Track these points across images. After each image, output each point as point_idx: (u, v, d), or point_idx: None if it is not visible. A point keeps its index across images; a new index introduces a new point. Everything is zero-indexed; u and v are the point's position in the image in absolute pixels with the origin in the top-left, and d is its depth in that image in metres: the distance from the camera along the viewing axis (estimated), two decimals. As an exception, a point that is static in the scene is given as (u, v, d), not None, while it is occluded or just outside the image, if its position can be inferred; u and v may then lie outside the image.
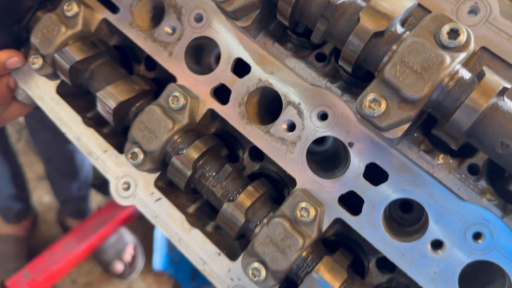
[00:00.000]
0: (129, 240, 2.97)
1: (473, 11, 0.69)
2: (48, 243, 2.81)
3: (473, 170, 0.69)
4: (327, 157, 0.92)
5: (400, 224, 0.83)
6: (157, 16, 0.90)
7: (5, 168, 2.69)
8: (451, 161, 0.69)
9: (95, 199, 3.19)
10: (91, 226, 2.80)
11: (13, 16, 0.88)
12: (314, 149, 0.92)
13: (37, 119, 2.45)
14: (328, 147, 0.93)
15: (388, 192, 0.71)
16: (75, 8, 0.85)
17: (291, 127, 0.77)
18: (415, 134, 0.70)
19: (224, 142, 0.83)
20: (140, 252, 3.00)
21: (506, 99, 0.59)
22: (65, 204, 2.92)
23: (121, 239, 2.95)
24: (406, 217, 0.85)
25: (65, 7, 0.86)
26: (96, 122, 0.91)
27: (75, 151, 2.60)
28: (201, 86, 0.82)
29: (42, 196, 3.26)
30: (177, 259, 2.95)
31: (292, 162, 0.76)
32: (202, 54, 0.95)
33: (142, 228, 3.14)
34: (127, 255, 2.94)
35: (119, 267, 2.91)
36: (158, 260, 2.92)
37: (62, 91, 0.92)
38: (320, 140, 0.91)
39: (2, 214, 2.87)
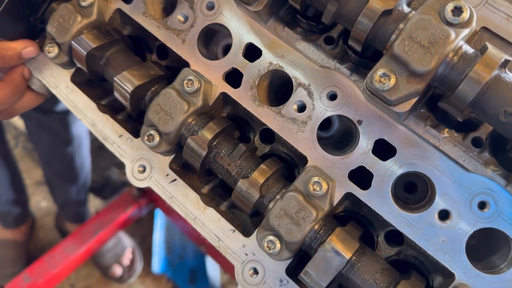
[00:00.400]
0: (127, 244, 2.98)
1: (474, -8, 0.73)
2: (46, 248, 2.81)
3: (477, 143, 0.73)
4: (333, 142, 0.95)
5: (406, 203, 0.87)
6: (168, 7, 0.93)
7: (4, 173, 2.70)
8: (456, 134, 0.73)
9: (94, 203, 3.19)
10: (90, 230, 2.80)
11: (29, 7, 0.91)
12: (320, 135, 0.96)
13: (37, 122, 2.47)
14: (333, 132, 0.96)
15: (396, 166, 0.74)
16: (90, -3, 0.88)
17: (302, 107, 0.80)
18: (421, 110, 0.74)
19: (236, 126, 0.86)
20: (139, 255, 3.00)
21: (508, 71, 0.63)
22: (63, 208, 2.92)
23: (119, 243, 2.95)
24: (410, 197, 0.88)
25: (81, -3, 0.89)
26: (110, 109, 0.93)
27: (74, 154, 2.62)
28: (214, 71, 0.85)
29: (40, 202, 3.26)
30: (175, 262, 2.96)
31: (303, 140, 0.79)
32: (210, 43, 0.98)
33: (141, 232, 3.14)
34: (126, 259, 2.94)
35: (117, 271, 2.91)
36: (157, 264, 2.93)
37: (76, 79, 0.94)
38: (326, 126, 0.95)
39: (0, 219, 2.87)
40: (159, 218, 2.92)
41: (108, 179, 3.17)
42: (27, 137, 3.45)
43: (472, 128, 0.73)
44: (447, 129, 0.73)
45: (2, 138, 2.60)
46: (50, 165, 2.70)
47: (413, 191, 0.88)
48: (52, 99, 2.30)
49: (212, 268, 2.82)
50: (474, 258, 0.73)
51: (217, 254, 2.62)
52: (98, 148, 3.27)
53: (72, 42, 0.85)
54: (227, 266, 2.56)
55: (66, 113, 2.41)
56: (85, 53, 0.84)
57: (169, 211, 2.80)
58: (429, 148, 0.73)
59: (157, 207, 2.86)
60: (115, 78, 0.82)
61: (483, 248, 0.79)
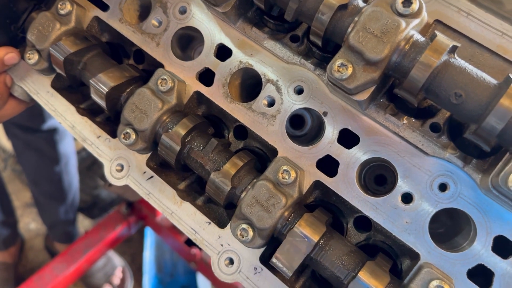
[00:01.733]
0: (117, 263, 2.96)
1: (426, -11, 0.78)
2: (35, 269, 2.79)
3: (435, 128, 0.77)
4: (307, 140, 0.99)
5: (376, 194, 0.90)
6: (144, 13, 0.98)
7: (-7, 195, 2.70)
8: (414, 121, 0.77)
9: (83, 224, 3.19)
10: (79, 249, 2.79)
11: (9, 17, 0.95)
12: (295, 133, 1.00)
13: (24, 141, 2.49)
14: (307, 130, 1.00)
15: (360, 153, 0.78)
16: (68, 6, 0.93)
17: (271, 102, 0.84)
18: (381, 100, 0.78)
19: (211, 124, 0.90)
20: (129, 274, 2.98)
21: (456, 57, 0.68)
22: (52, 228, 2.91)
23: (109, 262, 2.94)
24: (380, 189, 0.91)
25: (59, 6, 0.93)
26: (89, 112, 0.97)
27: (62, 173, 2.63)
28: (187, 71, 0.89)
29: (29, 223, 3.25)
30: (166, 280, 2.94)
31: (273, 133, 0.83)
32: (186, 48, 1.03)
33: (130, 250, 3.13)
34: (116, 278, 2.93)
35: (108, 290, 2.89)
36: (148, 282, 2.91)
37: (56, 85, 0.98)
38: (299, 125, 0.99)
39: (-12, 241, 2.85)
40: (149, 236, 2.91)
41: (97, 198, 3.17)
42: (16, 159, 3.45)
43: (430, 115, 0.78)
44: (406, 117, 0.77)
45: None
46: (38, 184, 2.70)
47: (383, 183, 0.91)
48: (38, 118, 2.32)
49: (203, 285, 2.80)
50: (439, 241, 0.76)
51: (208, 271, 2.62)
52: (86, 168, 3.29)
53: (50, 48, 0.89)
54: (218, 282, 2.56)
55: (53, 131, 2.44)
56: (63, 58, 0.88)
57: (159, 229, 2.80)
58: (389, 135, 0.77)
59: (147, 225, 2.86)
60: (91, 81, 0.86)
61: (447, 231, 0.82)
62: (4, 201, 2.77)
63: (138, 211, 2.83)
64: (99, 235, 2.83)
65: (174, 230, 2.73)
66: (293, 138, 0.86)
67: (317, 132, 0.97)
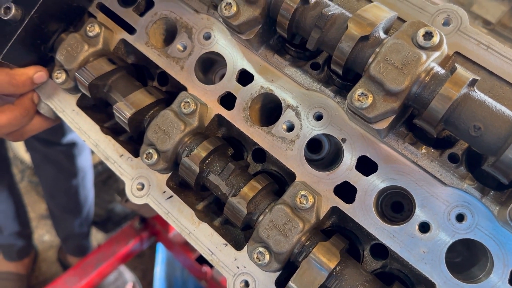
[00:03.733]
0: (128, 278, 2.97)
1: (446, 22, 0.80)
2: (48, 281, 2.81)
3: (453, 159, 0.77)
4: (324, 164, 1.00)
5: (392, 221, 0.90)
6: (169, 37, 1.01)
7: (10, 206, 2.74)
8: (433, 151, 0.78)
9: (96, 237, 3.21)
10: (91, 263, 2.80)
11: (40, 37, 0.99)
12: (312, 157, 1.01)
13: (43, 154, 2.54)
14: (324, 155, 1.01)
15: (378, 181, 0.79)
16: (96, 29, 0.97)
17: (290, 127, 0.86)
18: (400, 129, 0.79)
19: (230, 145, 0.92)
20: (140, 290, 2.99)
21: (476, 89, 0.69)
22: (66, 241, 2.94)
23: (120, 277, 2.95)
24: (397, 216, 0.92)
25: (88, 28, 0.97)
26: (113, 131, 0.99)
27: (78, 186, 2.67)
28: (209, 94, 0.92)
29: (43, 235, 3.29)
30: (176, 297, 2.94)
31: (292, 158, 0.84)
32: (208, 71, 1.05)
33: (142, 266, 3.14)
34: (127, 293, 2.93)
35: (118, 305, 2.89)
36: (158, 298, 2.90)
37: (82, 104, 1.01)
38: (317, 149, 1.00)
39: (3, 252, 2.89)
40: (160, 252, 2.92)
41: (111, 212, 3.20)
42: (33, 171, 3.51)
43: (449, 145, 0.78)
44: (424, 146, 0.78)
45: (8, 171, 2.67)
46: (54, 197, 2.75)
47: (400, 210, 0.92)
48: (58, 131, 2.37)
49: (213, 303, 2.79)
50: (456, 271, 0.76)
51: (218, 289, 2.61)
52: (101, 182, 3.33)
53: (76, 73, 0.92)
54: (228, 301, 2.55)
55: (72, 145, 2.48)
56: (88, 83, 0.91)
57: (171, 245, 2.81)
58: (408, 164, 0.78)
59: (159, 241, 2.88)
60: (114, 106, 0.88)
61: (464, 262, 0.82)
62: (21, 213, 2.81)
63: (151, 226, 2.84)
64: (111, 249, 2.85)
65: (185, 247, 2.74)
66: (310, 162, 0.88)
67: (334, 156, 0.98)
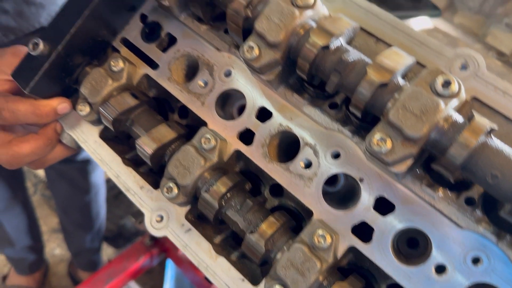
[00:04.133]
0: (138, 294, 2.98)
1: (464, 66, 0.82)
2: (57, 295, 2.84)
3: (469, 202, 0.79)
4: (339, 197, 1.01)
5: (408, 258, 0.91)
6: (190, 73, 1.04)
7: (23, 220, 2.78)
8: (449, 194, 0.79)
9: (106, 252, 3.23)
10: (101, 279, 2.82)
11: (65, 70, 1.02)
12: (327, 190, 1.02)
13: (58, 171, 2.58)
14: (339, 188, 1.03)
15: (396, 222, 0.80)
16: (120, 64, 1.00)
17: (308, 165, 0.88)
18: (418, 171, 0.81)
19: (248, 179, 0.94)
20: (149, 306, 3.00)
21: (494, 138, 0.70)
22: (77, 256, 2.97)
23: (130, 293, 2.96)
24: (413, 252, 0.93)
25: (112, 63, 1.00)
26: (133, 162, 1.02)
27: (91, 202, 2.70)
28: (229, 130, 0.94)
29: (54, 249, 3.32)
30: (185, 314, 2.94)
31: (310, 195, 0.86)
32: (226, 105, 1.08)
33: (151, 282, 3.15)
34: (136, 310, 2.94)
35: (127, 321, 2.90)
36: (166, 315, 2.91)
37: (104, 135, 1.04)
38: (332, 182, 1.02)
39: (15, 265, 2.92)
40: (170, 269, 2.93)
41: (122, 228, 3.23)
42: (46, 185, 3.56)
43: (465, 188, 0.80)
44: (441, 188, 0.79)
45: (23, 186, 2.71)
46: (67, 213, 2.78)
47: (415, 246, 0.93)
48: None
49: (221, 322, 2.78)
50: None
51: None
52: (113, 197, 3.36)
53: (100, 108, 0.95)
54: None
55: (86, 162, 2.52)
56: (112, 118, 0.94)
57: (180, 262, 2.82)
58: (425, 206, 0.79)
59: (168, 257, 2.89)
60: (136, 142, 0.91)
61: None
62: (33, 227, 2.85)
63: (161, 243, 2.86)
64: (122, 265, 2.87)
65: (195, 266, 2.75)
66: (326, 194, 0.89)
67: (349, 189, 1.00)
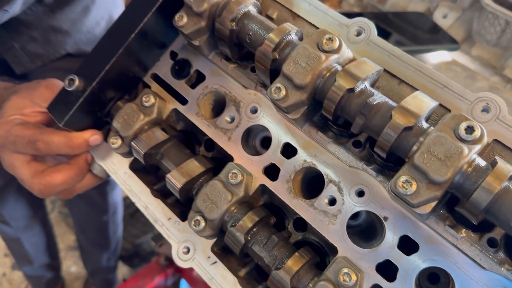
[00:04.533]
0: (152, 313, 3.00)
1: (485, 109, 0.84)
2: (73, 314, 2.87)
3: (492, 243, 0.80)
4: (360, 230, 1.04)
5: (429, 294, 0.93)
6: (217, 108, 1.08)
7: (41, 238, 2.83)
8: (472, 235, 0.81)
9: (122, 271, 3.26)
10: (117, 298, 2.85)
11: (97, 105, 1.07)
12: (349, 223, 1.04)
13: (77, 191, 2.62)
14: (361, 221, 1.05)
15: (419, 261, 0.82)
16: (151, 99, 1.04)
17: (332, 202, 0.90)
18: (441, 211, 0.83)
19: (272, 213, 0.96)
20: (162, 326, 3.00)
21: (516, 183, 0.72)
22: (93, 274, 3.00)
23: (144, 312, 2.98)
24: (434, 288, 0.94)
25: (144, 99, 1.04)
26: (161, 193, 1.05)
27: (108, 222, 2.74)
28: (255, 165, 0.97)
29: (71, 266, 3.35)
30: (199, 335, 2.94)
31: (334, 232, 0.88)
32: (249, 137, 1.11)
33: (165, 302, 3.16)
34: (149, 330, 2.95)
35: None
36: (180, 336, 2.91)
37: (133, 167, 1.08)
38: (354, 215, 1.04)
39: (33, 283, 2.96)
40: (184, 289, 2.95)
41: (138, 247, 3.26)
42: (64, 202, 3.62)
43: (488, 229, 0.81)
44: (464, 229, 0.81)
45: (42, 205, 2.76)
46: (84, 232, 2.82)
47: (436, 282, 0.94)
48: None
49: None
50: None
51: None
52: (129, 215, 3.40)
53: (132, 143, 0.99)
54: None
55: (105, 182, 2.56)
56: (143, 152, 0.98)
57: (194, 282, 2.84)
58: (448, 246, 0.81)
59: (183, 278, 2.91)
60: (166, 176, 0.95)
61: None
62: (51, 245, 2.90)
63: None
64: (137, 284, 2.89)
65: (208, 285, 2.76)
66: (348, 228, 0.91)
67: (370, 224, 1.02)
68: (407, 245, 0.84)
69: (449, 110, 0.86)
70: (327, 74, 0.85)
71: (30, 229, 2.70)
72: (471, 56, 1.53)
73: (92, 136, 1.08)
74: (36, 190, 1.09)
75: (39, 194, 1.10)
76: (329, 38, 0.85)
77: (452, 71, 1.50)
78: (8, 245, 2.83)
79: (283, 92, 0.86)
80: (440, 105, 0.86)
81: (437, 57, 1.60)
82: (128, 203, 3.43)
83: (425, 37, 1.56)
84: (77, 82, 0.99)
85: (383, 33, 1.69)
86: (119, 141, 1.03)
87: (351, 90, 0.82)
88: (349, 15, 1.03)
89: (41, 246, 2.83)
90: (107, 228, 2.77)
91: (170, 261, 2.87)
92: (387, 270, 0.84)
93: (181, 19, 0.97)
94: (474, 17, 1.63)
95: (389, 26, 1.66)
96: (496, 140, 0.83)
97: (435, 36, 1.55)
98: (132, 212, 3.41)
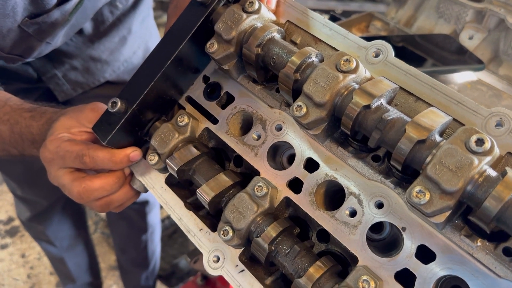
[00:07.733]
0: (188, 333, 3.05)
1: (499, 124, 0.87)
2: (112, 332, 2.96)
3: (507, 253, 0.82)
4: (384, 244, 1.07)
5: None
6: (245, 126, 1.16)
7: (84, 257, 2.95)
8: (487, 244, 0.84)
9: (159, 290, 3.34)
10: (154, 317, 2.92)
11: (138, 125, 1.17)
12: (373, 237, 1.08)
13: (118, 213, 2.75)
14: (385, 235, 1.08)
15: (437, 270, 0.85)
16: (186, 119, 1.13)
17: (353, 213, 0.95)
18: (456, 222, 0.86)
19: (297, 225, 1.02)
20: None
21: (526, 192, 0.75)
22: (132, 293, 3.10)
23: (180, 332, 3.03)
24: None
25: (179, 119, 1.14)
26: (194, 206, 1.13)
27: (147, 241, 2.84)
28: (279, 179, 1.03)
29: (111, 286, 3.47)
30: None
31: (354, 242, 0.93)
32: (276, 154, 1.18)
33: (201, 322, 3.21)
34: None
35: None
36: None
37: (169, 181, 1.17)
38: (379, 229, 1.08)
39: (75, 300, 3.08)
40: (219, 309, 2.99)
41: (176, 267, 3.34)
42: (106, 223, 3.77)
43: (503, 239, 0.84)
44: (479, 239, 0.84)
45: (85, 226, 2.90)
46: (125, 252, 2.93)
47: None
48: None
49: None
50: None
51: None
52: (167, 236, 3.50)
53: (167, 160, 1.09)
54: None
55: (144, 203, 2.68)
56: (177, 168, 1.07)
57: (229, 303, 2.88)
58: (464, 255, 0.84)
59: (218, 297, 2.96)
60: (197, 190, 1.03)
61: None
62: (93, 264, 3.02)
63: (212, 283, 2.94)
64: (174, 304, 2.96)
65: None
66: (372, 241, 0.95)
67: (394, 238, 1.05)
68: (425, 254, 0.87)
69: (463, 125, 0.90)
70: (345, 92, 0.91)
71: (73, 249, 2.84)
72: (498, 76, 1.55)
73: (133, 152, 1.18)
74: (75, 193, 1.18)
75: (78, 198, 1.19)
76: (347, 60, 0.92)
77: (478, 90, 1.52)
78: (53, 264, 2.98)
79: (304, 109, 0.93)
80: (455, 120, 0.90)
81: (463, 77, 1.63)
82: (167, 225, 3.54)
83: (451, 58, 1.60)
84: (119, 104, 1.10)
85: (417, 59, 1.74)
86: (156, 158, 1.13)
87: (367, 106, 0.88)
88: (376, 38, 1.09)
89: (83, 266, 2.96)
90: (146, 248, 2.88)
91: (206, 280, 2.93)
92: (406, 278, 0.87)
93: (212, 46, 1.07)
94: (500, 37, 1.65)
95: (417, 48, 1.71)
96: (509, 153, 0.86)
97: (461, 57, 1.58)
98: (170, 233, 3.52)
